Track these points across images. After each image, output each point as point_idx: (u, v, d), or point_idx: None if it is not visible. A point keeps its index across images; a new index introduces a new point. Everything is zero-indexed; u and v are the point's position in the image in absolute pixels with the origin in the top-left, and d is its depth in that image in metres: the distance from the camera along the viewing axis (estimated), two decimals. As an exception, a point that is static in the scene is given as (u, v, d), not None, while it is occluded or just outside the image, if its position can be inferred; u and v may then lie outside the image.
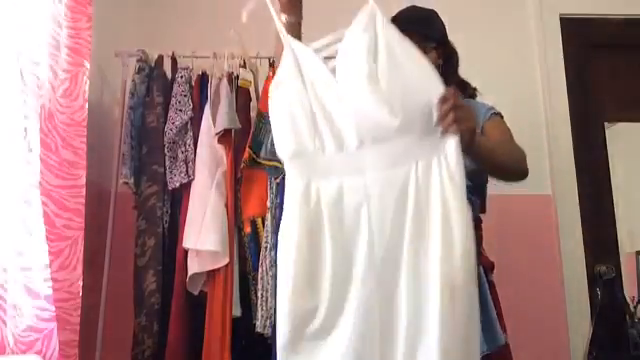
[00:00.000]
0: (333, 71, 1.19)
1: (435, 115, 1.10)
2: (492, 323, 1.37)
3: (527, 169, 1.46)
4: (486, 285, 1.43)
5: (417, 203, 1.09)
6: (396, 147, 1.12)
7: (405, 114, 1.11)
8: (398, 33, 1.17)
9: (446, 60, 1.61)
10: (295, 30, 1.38)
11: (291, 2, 1.40)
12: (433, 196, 1.08)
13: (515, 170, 1.43)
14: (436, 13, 1.61)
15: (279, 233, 1.19)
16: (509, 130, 1.53)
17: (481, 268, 1.43)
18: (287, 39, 1.28)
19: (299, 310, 1.12)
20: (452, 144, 1.10)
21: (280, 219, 2.00)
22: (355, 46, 1.17)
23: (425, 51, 1.51)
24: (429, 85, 1.13)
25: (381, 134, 1.13)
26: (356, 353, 1.08)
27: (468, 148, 1.14)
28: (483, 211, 1.53)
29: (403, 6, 1.61)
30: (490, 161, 1.32)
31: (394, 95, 1.12)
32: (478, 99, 1.63)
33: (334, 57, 1.22)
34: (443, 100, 1.10)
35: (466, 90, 1.61)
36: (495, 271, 1.52)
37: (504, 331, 1.42)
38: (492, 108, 1.57)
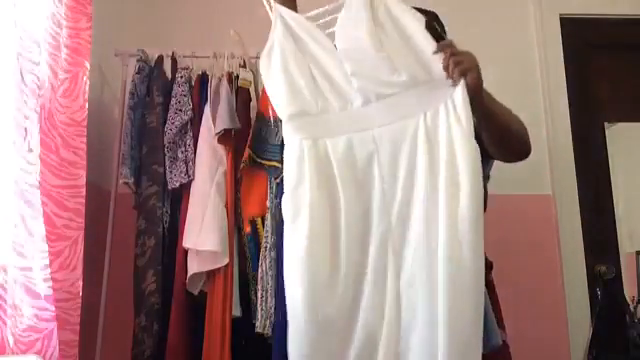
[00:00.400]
0: (330, 36, 1.19)
1: (438, 66, 1.11)
2: (489, 324, 1.37)
3: (530, 146, 1.42)
4: (484, 287, 1.42)
5: (427, 149, 1.10)
6: (404, 100, 1.13)
7: (410, 71, 1.12)
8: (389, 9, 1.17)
9: None
10: (289, 4, 1.35)
11: None
12: (441, 139, 1.09)
13: (517, 140, 1.40)
14: (437, 15, 1.62)
15: (284, 196, 1.18)
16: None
17: None
18: (276, 6, 1.27)
19: (319, 278, 1.12)
20: (458, 90, 1.11)
21: (280, 219, 2.01)
22: (357, 10, 1.16)
23: None
24: (429, 44, 1.14)
25: (387, 90, 1.13)
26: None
27: (474, 94, 1.13)
28: (484, 209, 1.52)
29: None
30: (493, 120, 1.28)
31: (399, 54, 1.12)
32: None
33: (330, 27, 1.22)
34: (441, 48, 1.12)
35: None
36: (495, 271, 1.52)
37: (504, 331, 1.41)
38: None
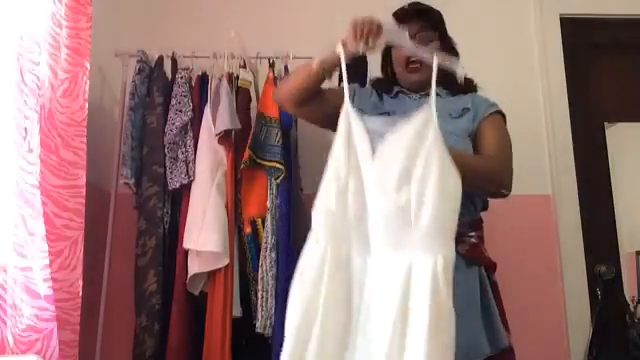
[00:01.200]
0: (374, 148, 1.22)
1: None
2: (495, 326, 1.37)
3: (504, 182, 1.44)
4: (489, 287, 1.42)
5: (405, 303, 1.12)
6: (399, 235, 1.16)
7: (420, 212, 1.15)
8: (444, 148, 1.19)
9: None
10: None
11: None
12: (422, 300, 1.10)
13: (483, 182, 1.42)
14: (439, 11, 1.63)
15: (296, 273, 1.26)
16: (506, 134, 1.53)
17: (482, 269, 1.43)
18: (347, 104, 1.29)
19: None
20: (446, 255, 1.13)
21: (280, 219, 2.02)
22: (399, 146, 1.19)
23: (430, 39, 1.54)
24: (453, 192, 1.17)
25: (394, 220, 1.17)
26: None
27: None
28: (485, 208, 1.52)
29: (404, 3, 1.62)
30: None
31: (418, 194, 1.15)
32: (480, 94, 1.63)
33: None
34: None
35: (469, 86, 1.61)
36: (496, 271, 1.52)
37: (507, 331, 1.41)
38: (494, 105, 1.56)
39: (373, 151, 1.22)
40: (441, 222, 1.14)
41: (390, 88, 1.61)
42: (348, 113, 1.28)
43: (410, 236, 1.15)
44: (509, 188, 1.45)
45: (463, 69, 1.33)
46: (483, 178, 1.40)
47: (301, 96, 1.50)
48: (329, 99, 1.48)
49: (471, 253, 1.39)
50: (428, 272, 1.11)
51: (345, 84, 1.34)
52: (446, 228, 1.15)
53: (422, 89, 1.56)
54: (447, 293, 1.10)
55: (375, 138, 1.24)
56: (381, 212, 1.18)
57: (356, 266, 1.20)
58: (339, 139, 1.26)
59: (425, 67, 1.52)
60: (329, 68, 1.43)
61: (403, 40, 1.40)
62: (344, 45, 1.38)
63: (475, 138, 1.49)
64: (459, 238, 1.34)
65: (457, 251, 1.30)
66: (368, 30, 1.36)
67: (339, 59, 1.37)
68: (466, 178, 1.26)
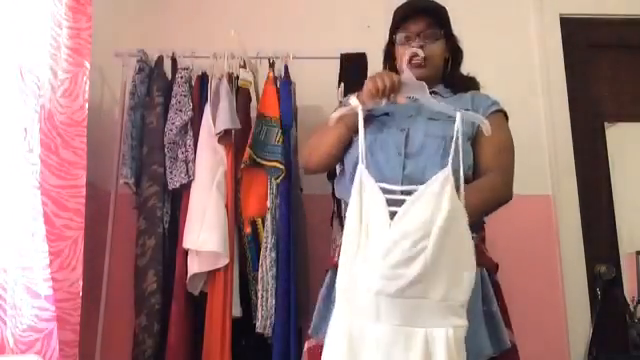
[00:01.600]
0: (392, 214, 1.23)
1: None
2: (497, 327, 1.36)
3: (506, 197, 1.46)
4: (490, 288, 1.42)
5: None
6: (411, 308, 1.18)
7: (431, 287, 1.17)
8: (461, 209, 1.22)
9: (452, 55, 1.61)
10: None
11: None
12: None
13: (490, 209, 1.45)
14: (445, 8, 1.61)
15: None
16: (507, 135, 1.52)
17: (484, 270, 1.42)
18: (361, 167, 1.30)
19: None
20: (457, 328, 1.17)
21: (280, 219, 2.02)
22: (418, 210, 1.21)
23: (436, 38, 1.54)
24: (466, 270, 1.20)
25: (401, 294, 1.18)
26: None
27: None
28: None
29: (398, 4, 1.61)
30: None
31: (431, 269, 1.17)
32: (481, 92, 1.62)
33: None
34: None
35: (472, 84, 1.60)
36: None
37: (512, 332, 1.41)
38: (496, 103, 1.54)
39: (390, 216, 1.22)
40: (454, 295, 1.17)
41: None
42: (361, 179, 1.29)
43: (423, 309, 1.17)
44: (511, 196, 1.47)
45: (484, 123, 1.34)
46: (491, 208, 1.44)
47: (333, 161, 1.54)
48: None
49: None
50: (442, 344, 1.14)
51: (361, 141, 1.33)
52: (459, 300, 1.18)
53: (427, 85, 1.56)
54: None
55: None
56: (393, 284, 1.19)
57: (370, 340, 1.20)
58: (353, 207, 1.27)
59: (429, 63, 1.53)
60: (353, 126, 1.40)
61: (422, 93, 1.40)
62: (361, 101, 1.39)
63: (475, 141, 1.48)
64: None
65: None
66: (390, 86, 1.38)
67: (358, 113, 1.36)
68: (476, 216, 1.34)
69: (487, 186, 1.44)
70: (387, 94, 1.38)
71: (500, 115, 1.54)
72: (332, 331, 1.25)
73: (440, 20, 1.56)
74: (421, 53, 1.50)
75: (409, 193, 1.25)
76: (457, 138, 1.26)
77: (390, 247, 1.20)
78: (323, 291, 1.43)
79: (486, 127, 1.34)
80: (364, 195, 1.28)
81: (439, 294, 1.17)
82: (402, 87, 1.40)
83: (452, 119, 1.48)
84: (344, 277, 1.25)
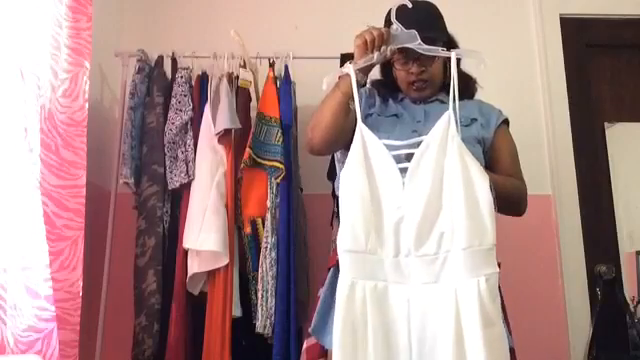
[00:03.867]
0: (403, 170, 1.23)
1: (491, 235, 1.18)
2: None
3: (524, 208, 1.52)
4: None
5: (456, 328, 1.14)
6: (439, 264, 1.17)
7: (455, 237, 1.17)
8: (465, 152, 1.21)
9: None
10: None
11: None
12: (471, 318, 1.13)
13: (512, 209, 1.50)
14: (437, 8, 1.58)
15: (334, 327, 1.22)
16: (515, 146, 1.57)
17: None
18: (360, 125, 1.29)
19: None
20: (489, 275, 1.16)
21: (280, 219, 2.02)
22: (428, 159, 1.21)
23: (434, 59, 1.50)
24: (484, 207, 1.19)
25: (430, 250, 1.18)
26: None
27: None
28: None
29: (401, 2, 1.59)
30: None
31: (451, 220, 1.17)
32: (479, 94, 1.62)
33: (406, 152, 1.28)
34: None
35: (471, 84, 1.60)
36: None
37: (511, 335, 1.41)
38: (502, 113, 1.58)
39: (401, 174, 1.22)
40: (477, 242, 1.16)
41: (395, 94, 1.58)
42: (362, 135, 1.27)
43: (449, 263, 1.16)
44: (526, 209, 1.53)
45: (483, 60, 1.33)
46: (514, 202, 1.48)
47: (337, 134, 1.44)
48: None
49: None
50: (474, 296, 1.13)
51: (357, 105, 1.32)
52: (482, 247, 1.17)
53: (427, 99, 1.55)
54: (495, 311, 1.15)
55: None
56: (417, 243, 1.18)
57: (396, 303, 1.19)
58: (357, 166, 1.24)
59: (430, 85, 1.51)
60: (350, 92, 1.37)
61: (414, 41, 1.37)
62: (354, 63, 1.37)
63: (490, 149, 1.52)
64: None
65: None
66: (378, 38, 1.35)
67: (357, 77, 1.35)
68: (501, 199, 1.33)
69: (517, 182, 1.50)
70: (378, 46, 1.35)
71: (506, 127, 1.58)
72: (340, 295, 1.20)
73: (437, 35, 1.49)
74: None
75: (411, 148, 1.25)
76: (454, 80, 1.26)
77: (408, 209, 1.19)
78: (324, 291, 1.43)
79: (482, 59, 1.34)
80: (369, 151, 1.25)
81: (464, 241, 1.15)
82: (392, 38, 1.37)
83: (461, 123, 1.48)
84: (357, 240, 1.20)
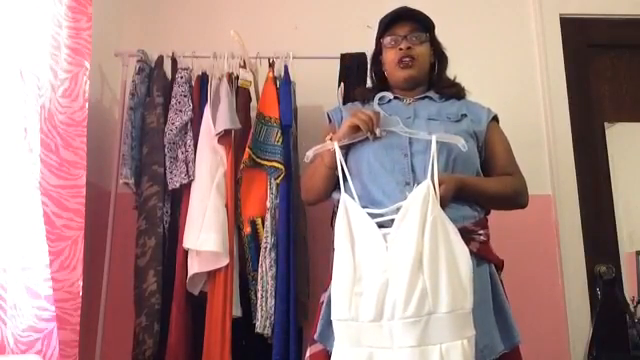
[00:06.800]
0: (385, 237, 1.27)
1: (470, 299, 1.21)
2: (509, 322, 1.37)
3: (526, 201, 1.57)
4: (500, 283, 1.43)
5: None
6: (422, 327, 1.19)
7: (437, 299, 1.19)
8: (445, 219, 1.26)
9: (438, 59, 1.67)
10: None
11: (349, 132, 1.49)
12: None
13: (508, 203, 1.56)
14: (429, 17, 1.66)
15: None
16: (507, 140, 1.61)
17: (492, 266, 1.43)
18: (344, 196, 1.36)
19: None
20: (470, 338, 1.19)
21: (280, 219, 2.03)
22: (408, 226, 1.24)
23: (422, 41, 1.60)
24: (463, 272, 1.22)
25: (412, 312, 1.20)
26: None
27: (443, 202, 1.29)
28: (489, 211, 1.53)
29: (396, 6, 1.63)
30: (483, 198, 1.47)
31: (432, 282, 1.20)
32: (479, 94, 1.65)
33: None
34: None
35: (459, 90, 1.63)
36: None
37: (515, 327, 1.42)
38: (490, 109, 1.62)
39: (384, 240, 1.26)
40: (459, 306, 1.19)
41: (382, 98, 1.62)
42: (346, 207, 1.32)
43: (431, 326, 1.19)
44: (527, 202, 1.57)
45: (463, 145, 1.38)
46: (511, 199, 1.53)
47: (328, 194, 1.57)
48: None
49: (482, 251, 1.40)
50: (460, 356, 1.16)
51: (340, 175, 1.40)
52: (464, 310, 1.20)
53: (414, 87, 1.61)
54: None
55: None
56: (402, 306, 1.20)
57: None
58: (341, 238, 1.30)
59: (416, 63, 1.58)
60: (333, 164, 1.47)
61: (396, 124, 1.46)
62: (337, 137, 1.46)
63: (485, 144, 1.56)
64: (470, 237, 1.36)
65: (469, 249, 1.32)
66: (371, 121, 1.44)
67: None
68: (496, 202, 1.45)
69: (510, 179, 1.54)
70: (370, 129, 1.44)
71: (496, 123, 1.62)
72: None
73: (425, 25, 1.62)
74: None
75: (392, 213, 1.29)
76: (433, 158, 1.30)
77: (392, 273, 1.22)
78: (327, 296, 1.43)
79: (462, 144, 1.38)
80: (352, 223, 1.31)
81: (446, 305, 1.18)
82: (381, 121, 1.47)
83: (451, 119, 1.51)
84: (341, 308, 1.26)
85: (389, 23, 1.62)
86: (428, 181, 1.27)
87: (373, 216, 1.31)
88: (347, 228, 1.31)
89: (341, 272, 1.29)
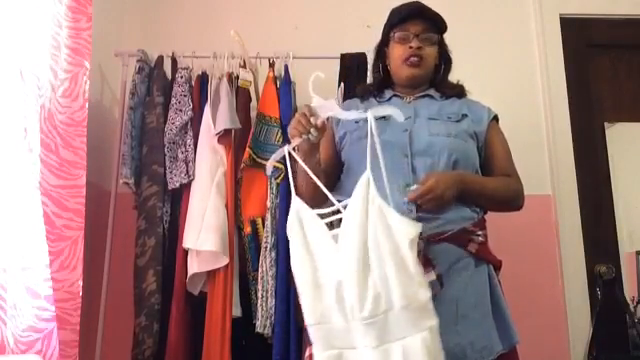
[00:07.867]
0: (336, 237, 1.24)
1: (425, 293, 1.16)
2: (507, 322, 1.37)
3: (522, 204, 1.55)
4: (498, 284, 1.43)
5: None
6: (381, 325, 1.16)
7: (390, 296, 1.16)
8: (383, 206, 1.21)
9: (443, 62, 1.63)
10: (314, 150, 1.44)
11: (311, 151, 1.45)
12: None
13: (509, 207, 1.55)
14: (442, 17, 1.62)
15: None
16: (506, 141, 1.60)
17: (491, 267, 1.43)
18: (295, 200, 1.34)
19: None
20: (431, 327, 1.15)
21: (280, 219, 2.02)
22: (352, 225, 1.21)
23: (432, 42, 1.56)
24: (408, 259, 1.17)
25: (369, 312, 1.17)
26: None
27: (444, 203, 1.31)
28: (486, 211, 1.53)
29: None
30: (481, 199, 1.45)
31: (382, 281, 1.17)
32: (479, 93, 1.64)
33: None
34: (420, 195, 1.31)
35: (461, 91, 1.62)
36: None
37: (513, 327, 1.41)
38: (490, 109, 1.60)
39: (334, 241, 1.23)
40: (413, 299, 1.15)
41: (382, 96, 1.60)
42: (297, 211, 1.31)
43: (390, 324, 1.15)
44: (522, 204, 1.56)
45: (399, 115, 1.32)
46: (510, 200, 1.52)
47: (327, 189, 1.47)
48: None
49: (480, 251, 1.40)
50: (422, 349, 1.13)
51: (290, 175, 1.40)
52: (420, 302, 1.15)
53: (417, 85, 1.58)
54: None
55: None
56: (357, 306, 1.18)
57: None
58: (296, 242, 1.29)
59: (424, 64, 1.56)
60: (309, 152, 1.44)
61: (335, 109, 1.39)
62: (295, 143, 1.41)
63: (485, 145, 1.55)
64: (469, 238, 1.35)
65: (468, 250, 1.31)
66: (306, 122, 1.37)
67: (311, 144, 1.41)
68: (495, 202, 1.45)
69: (507, 180, 1.53)
70: (306, 127, 1.38)
71: (496, 123, 1.60)
72: None
73: (437, 26, 1.59)
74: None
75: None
76: (372, 134, 1.25)
77: (344, 275, 1.20)
78: None
79: (398, 114, 1.32)
80: (305, 227, 1.29)
81: (400, 301, 1.15)
82: (318, 111, 1.39)
83: (451, 119, 1.50)
84: (308, 313, 1.24)
85: (402, 18, 1.57)
86: (368, 173, 1.22)
87: (323, 216, 1.29)
88: (301, 233, 1.30)
89: (300, 279, 1.27)
